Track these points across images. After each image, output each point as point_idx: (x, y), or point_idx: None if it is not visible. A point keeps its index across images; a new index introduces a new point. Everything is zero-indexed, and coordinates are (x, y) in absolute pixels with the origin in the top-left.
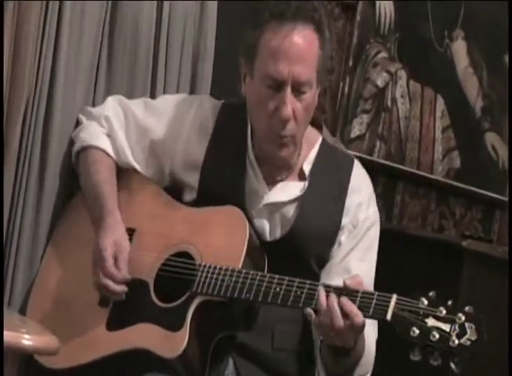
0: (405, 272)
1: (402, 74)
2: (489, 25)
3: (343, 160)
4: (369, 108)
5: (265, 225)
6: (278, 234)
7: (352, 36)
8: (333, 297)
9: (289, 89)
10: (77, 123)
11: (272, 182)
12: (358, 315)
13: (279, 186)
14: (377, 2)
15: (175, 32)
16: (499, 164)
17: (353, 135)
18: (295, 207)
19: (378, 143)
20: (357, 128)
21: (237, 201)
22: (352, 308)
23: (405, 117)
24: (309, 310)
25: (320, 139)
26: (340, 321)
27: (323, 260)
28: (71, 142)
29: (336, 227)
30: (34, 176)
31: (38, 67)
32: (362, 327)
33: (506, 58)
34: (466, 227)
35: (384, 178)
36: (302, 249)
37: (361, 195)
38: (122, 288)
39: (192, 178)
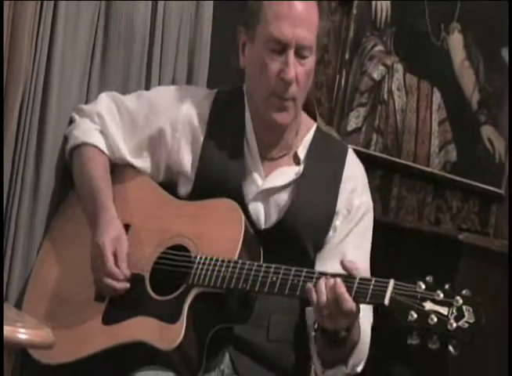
0: (401, 266)
1: (399, 67)
2: (486, 18)
3: (337, 148)
4: (366, 101)
5: (260, 211)
6: (273, 220)
7: (349, 29)
8: (329, 279)
9: (292, 52)
10: (70, 121)
11: (269, 167)
12: (348, 300)
13: (276, 172)
14: None
15: (171, 26)
16: (495, 157)
17: (349, 128)
18: (290, 191)
19: (375, 136)
20: (353, 121)
21: (235, 188)
22: (342, 291)
23: (401, 110)
24: (309, 285)
25: (315, 126)
26: (324, 301)
27: (319, 245)
28: (65, 140)
29: (330, 212)
30: (29, 172)
31: (33, 63)
32: (354, 313)
33: (503, 51)
34: (463, 220)
35: (380, 171)
36: (297, 234)
37: (355, 182)
38: (124, 285)
39: (189, 169)
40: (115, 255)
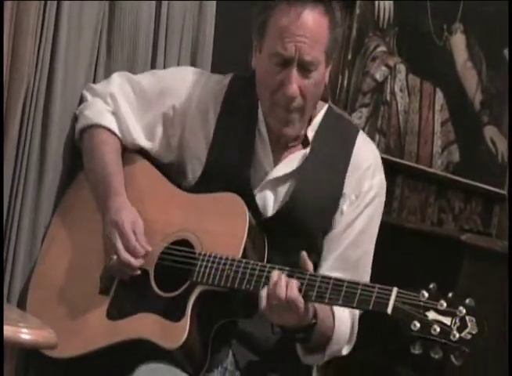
0: (403, 266)
1: (401, 67)
2: (488, 18)
3: (347, 128)
4: (368, 102)
5: (268, 199)
6: (278, 206)
7: (351, 29)
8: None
9: (295, 67)
10: (81, 99)
11: (279, 155)
12: (298, 298)
13: (285, 160)
14: None
15: (174, 26)
16: (498, 157)
17: None
18: (296, 177)
19: (377, 137)
20: (356, 121)
21: (243, 176)
22: (293, 289)
23: (404, 111)
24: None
25: (326, 106)
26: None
27: (326, 229)
28: (75, 118)
29: (337, 194)
30: (33, 166)
31: (37, 63)
32: (301, 311)
33: (506, 52)
34: (466, 221)
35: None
36: (303, 218)
37: (365, 164)
38: (140, 263)
39: (201, 152)
40: (134, 232)
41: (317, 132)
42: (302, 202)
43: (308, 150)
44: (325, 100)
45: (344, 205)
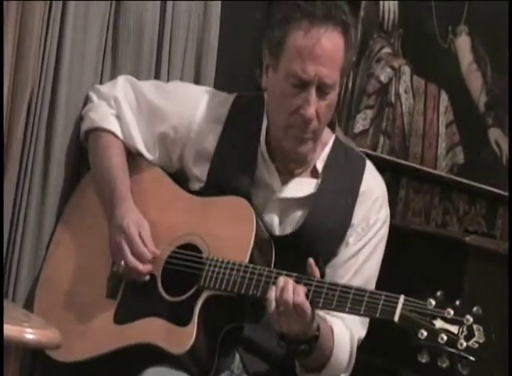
0: (408, 268)
1: (406, 69)
2: (493, 20)
3: (355, 160)
4: (373, 103)
5: (274, 219)
6: (287, 230)
7: (356, 31)
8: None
9: (314, 90)
10: (87, 100)
11: (286, 177)
12: (304, 303)
13: (294, 181)
14: None
15: (179, 26)
16: (502, 159)
17: (357, 130)
18: (306, 204)
19: (382, 139)
20: (361, 123)
21: (243, 194)
22: (300, 294)
23: (408, 113)
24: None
25: (333, 138)
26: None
27: (329, 256)
28: (81, 119)
29: (345, 226)
30: (38, 167)
31: (42, 64)
32: (308, 317)
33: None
34: (470, 223)
35: (387, 174)
36: (310, 246)
37: (372, 197)
38: (148, 268)
39: (201, 169)
40: (140, 237)
41: (326, 164)
42: (312, 232)
43: (318, 180)
44: (331, 125)
45: (351, 238)
